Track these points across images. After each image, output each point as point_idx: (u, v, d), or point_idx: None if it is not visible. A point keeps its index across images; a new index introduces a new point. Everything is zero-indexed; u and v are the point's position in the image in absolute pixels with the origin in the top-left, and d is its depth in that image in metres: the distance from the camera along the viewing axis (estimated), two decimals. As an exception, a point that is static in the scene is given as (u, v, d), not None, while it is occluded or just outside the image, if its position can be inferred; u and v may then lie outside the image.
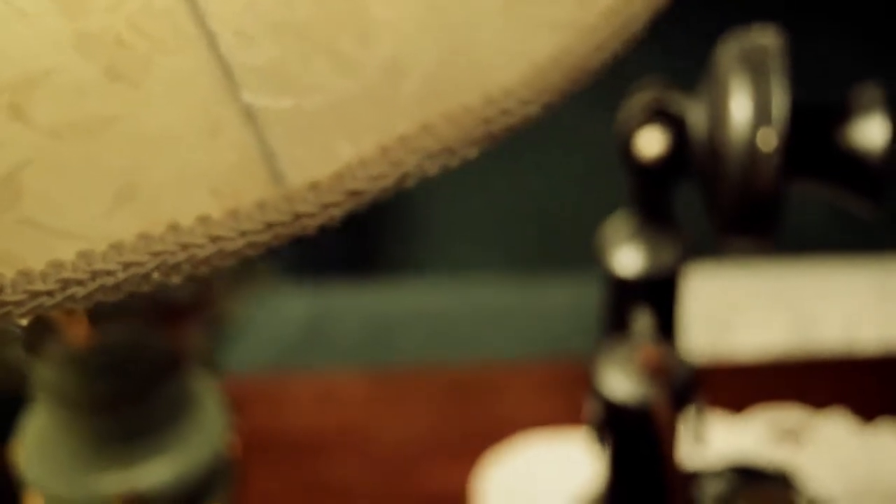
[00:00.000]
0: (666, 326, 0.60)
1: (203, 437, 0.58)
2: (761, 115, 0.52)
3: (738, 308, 0.98)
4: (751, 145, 0.52)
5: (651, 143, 0.55)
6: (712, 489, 0.70)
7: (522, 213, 1.23)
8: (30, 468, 0.58)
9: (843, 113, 0.54)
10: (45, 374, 0.54)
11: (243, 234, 0.29)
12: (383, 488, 0.79)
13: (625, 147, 0.56)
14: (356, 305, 1.03)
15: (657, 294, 0.60)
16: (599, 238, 0.59)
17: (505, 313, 1.04)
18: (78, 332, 0.49)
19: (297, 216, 0.30)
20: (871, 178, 0.54)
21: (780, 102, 0.52)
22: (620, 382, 0.55)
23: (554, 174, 1.20)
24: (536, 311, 1.04)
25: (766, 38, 0.54)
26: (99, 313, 0.48)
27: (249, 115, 0.30)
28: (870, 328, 0.96)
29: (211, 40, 0.29)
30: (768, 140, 0.52)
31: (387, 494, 0.79)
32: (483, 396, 0.85)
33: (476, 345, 1.00)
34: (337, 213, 0.30)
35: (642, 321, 0.59)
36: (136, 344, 0.54)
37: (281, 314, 1.01)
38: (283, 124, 0.30)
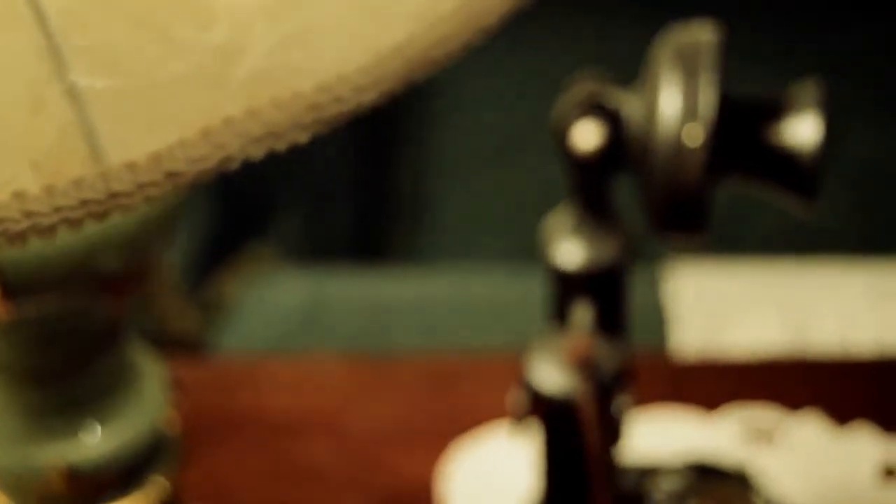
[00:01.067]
0: (608, 320, 0.61)
1: (141, 412, 0.59)
2: (689, 110, 0.52)
3: (733, 307, 0.98)
4: (677, 140, 0.52)
5: (586, 136, 0.55)
6: (667, 485, 0.70)
7: (532, 204, 1.23)
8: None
9: (777, 110, 0.54)
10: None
11: (58, 209, 0.30)
12: (352, 472, 0.80)
13: (561, 140, 0.56)
14: (355, 292, 1.03)
15: (598, 287, 0.60)
16: (542, 231, 0.59)
17: (506, 304, 1.04)
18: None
19: (113, 195, 0.30)
20: (804, 177, 0.53)
21: (707, 99, 0.52)
22: (548, 373, 0.55)
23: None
24: (538, 303, 1.04)
25: (703, 34, 0.54)
26: (18, 285, 0.49)
27: (73, 94, 0.30)
28: (864, 330, 0.95)
29: (41, 19, 0.30)
30: (694, 135, 0.52)
31: (354, 479, 0.79)
32: (462, 386, 0.85)
33: (473, 335, 1.00)
34: (154, 193, 0.31)
35: (580, 313, 0.60)
36: (71, 315, 0.55)
37: (279, 297, 1.01)
38: (108, 104, 0.30)
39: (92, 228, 0.49)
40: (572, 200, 0.59)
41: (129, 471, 0.60)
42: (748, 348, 0.91)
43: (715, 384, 0.85)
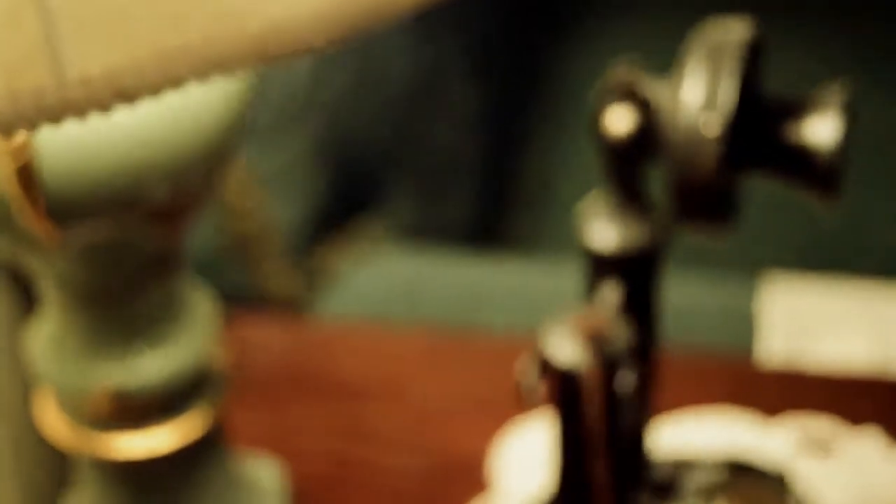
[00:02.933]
0: (637, 303, 0.63)
1: (189, 342, 0.63)
2: (709, 101, 0.54)
3: (823, 322, 0.98)
4: (695, 130, 0.54)
5: (617, 121, 0.58)
6: (700, 478, 0.71)
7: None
8: (38, 363, 0.64)
9: (801, 108, 0.55)
10: (46, 265, 0.60)
11: (19, 115, 0.34)
12: (411, 438, 0.83)
13: (594, 124, 0.58)
14: (456, 274, 1.06)
15: (628, 270, 0.62)
16: (577, 214, 0.62)
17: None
18: (43, 230, 0.54)
19: (68, 105, 0.34)
20: (822, 175, 0.55)
21: (728, 91, 0.54)
22: (558, 344, 0.57)
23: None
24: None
25: (735, 30, 0.55)
26: (62, 211, 0.54)
27: (45, 9, 0.34)
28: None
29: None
30: (711, 126, 0.54)
31: (413, 445, 0.83)
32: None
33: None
34: (106, 110, 0.34)
35: (606, 293, 0.62)
36: (123, 241, 0.59)
37: (381, 273, 1.05)
38: (73, 18, 0.34)
39: (137, 161, 0.54)
40: (606, 184, 0.61)
41: (174, 398, 0.64)
42: (832, 363, 0.91)
43: (784, 392, 0.85)
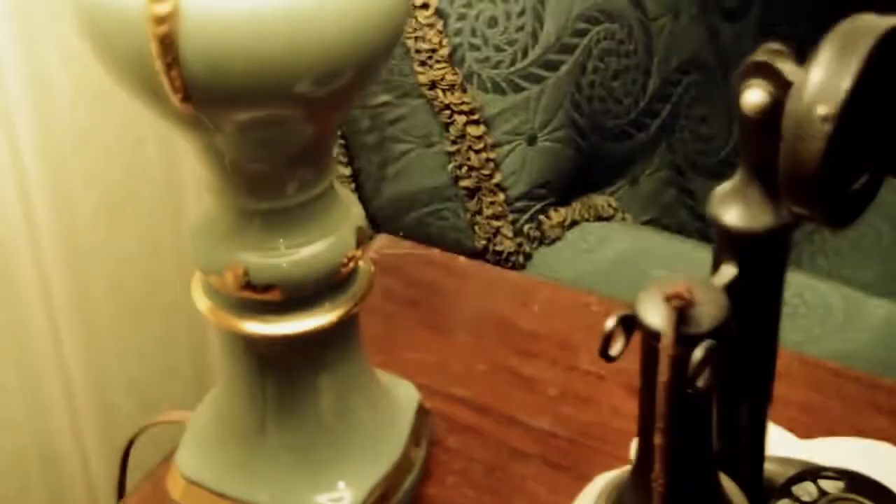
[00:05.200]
0: (757, 281, 0.62)
1: (328, 245, 0.67)
2: (829, 87, 0.53)
3: None
4: (808, 110, 0.53)
5: (752, 96, 0.57)
6: (813, 487, 0.69)
7: None
8: (191, 241, 0.69)
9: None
10: (200, 142, 0.64)
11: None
12: (551, 390, 0.84)
13: (735, 97, 0.58)
14: (670, 253, 1.06)
15: (750, 251, 0.61)
16: (713, 193, 0.62)
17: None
18: (181, 106, 0.58)
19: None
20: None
21: (847, 75, 0.53)
22: (646, 308, 0.58)
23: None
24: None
25: (875, 23, 0.54)
26: (205, 91, 0.57)
27: None
28: None
29: None
30: (824, 107, 0.53)
31: (552, 396, 0.83)
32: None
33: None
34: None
35: (723, 269, 0.61)
36: (273, 129, 0.61)
37: (597, 243, 1.06)
38: None
39: (286, 52, 0.56)
40: (741, 160, 0.60)
41: (301, 290, 0.68)
42: None
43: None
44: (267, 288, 0.68)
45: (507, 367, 0.86)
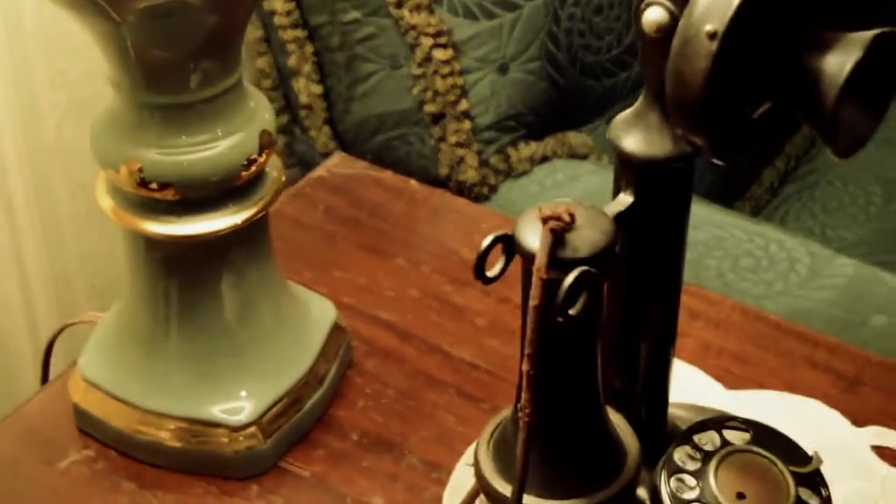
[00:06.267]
0: (657, 214, 0.59)
1: (232, 145, 0.66)
2: (719, 4, 0.50)
3: None
4: (696, 28, 0.50)
5: (651, 16, 0.54)
6: (717, 436, 0.67)
7: None
8: (92, 139, 0.68)
9: (830, 42, 0.50)
10: (107, 36, 0.62)
11: None
12: (495, 322, 0.82)
13: (637, 20, 0.55)
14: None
15: (651, 178, 0.59)
16: (616, 118, 0.59)
17: None
18: None
19: None
20: (825, 110, 0.50)
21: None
22: (524, 229, 0.55)
23: None
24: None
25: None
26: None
27: None
28: None
29: None
30: (711, 24, 0.50)
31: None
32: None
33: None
34: None
35: (620, 197, 0.59)
36: (182, 15, 0.61)
37: (564, 179, 1.03)
38: None
39: None
40: (644, 84, 0.58)
41: (200, 190, 0.66)
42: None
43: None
44: (163, 186, 0.66)
45: (439, 295, 0.84)
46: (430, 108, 1.00)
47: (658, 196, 0.59)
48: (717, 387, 0.78)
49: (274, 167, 0.70)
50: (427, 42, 0.97)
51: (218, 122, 0.65)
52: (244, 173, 0.67)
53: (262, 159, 0.67)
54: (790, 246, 0.98)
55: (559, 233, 0.54)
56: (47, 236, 1.01)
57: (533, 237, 0.55)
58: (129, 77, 0.64)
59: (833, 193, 1.22)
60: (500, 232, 0.56)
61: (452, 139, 1.00)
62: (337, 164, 0.94)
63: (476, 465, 0.61)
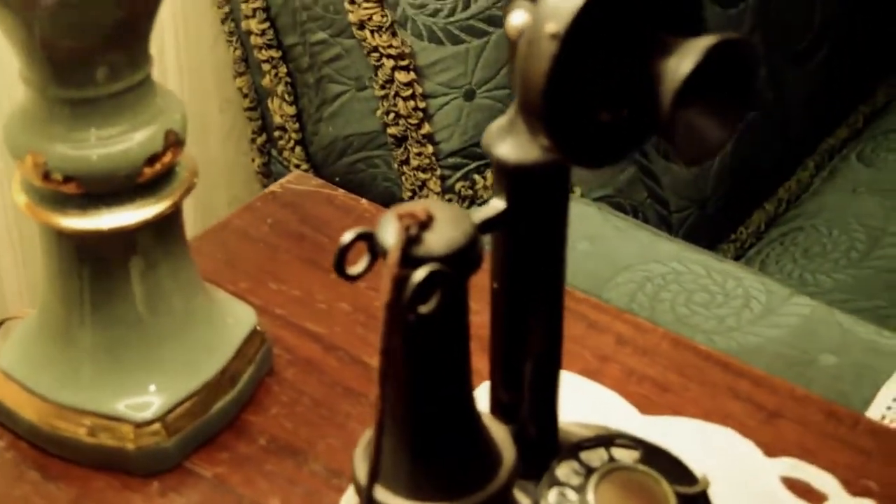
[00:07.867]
0: (531, 222, 0.60)
1: (139, 142, 0.67)
2: (562, 5, 0.50)
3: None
4: (539, 29, 0.51)
5: (515, 19, 0.55)
6: (605, 452, 0.66)
7: None
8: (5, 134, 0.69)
9: (673, 46, 0.50)
10: (16, 28, 0.64)
11: None
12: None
13: (505, 24, 0.56)
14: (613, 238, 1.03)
15: (524, 184, 0.59)
16: (490, 125, 0.59)
17: None
18: None
19: None
20: (663, 115, 0.50)
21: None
22: (383, 226, 0.55)
23: None
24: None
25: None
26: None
27: None
28: None
29: None
30: (553, 24, 0.50)
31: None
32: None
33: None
34: None
35: (492, 203, 0.59)
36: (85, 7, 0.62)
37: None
38: None
39: None
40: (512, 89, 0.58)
41: (109, 184, 0.67)
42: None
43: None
44: (67, 179, 0.67)
45: (369, 310, 0.84)
46: (392, 130, 1.01)
47: (531, 202, 0.59)
48: (631, 410, 0.77)
49: (185, 167, 0.71)
50: (389, 63, 0.98)
51: (122, 118, 0.67)
52: (147, 170, 0.68)
53: (166, 158, 0.68)
54: (748, 283, 0.98)
55: (414, 230, 0.55)
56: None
57: (390, 234, 0.55)
58: (37, 71, 0.65)
59: (817, 238, 1.21)
60: (361, 229, 0.56)
61: (415, 163, 1.01)
62: (291, 181, 0.95)
63: (353, 466, 0.62)
